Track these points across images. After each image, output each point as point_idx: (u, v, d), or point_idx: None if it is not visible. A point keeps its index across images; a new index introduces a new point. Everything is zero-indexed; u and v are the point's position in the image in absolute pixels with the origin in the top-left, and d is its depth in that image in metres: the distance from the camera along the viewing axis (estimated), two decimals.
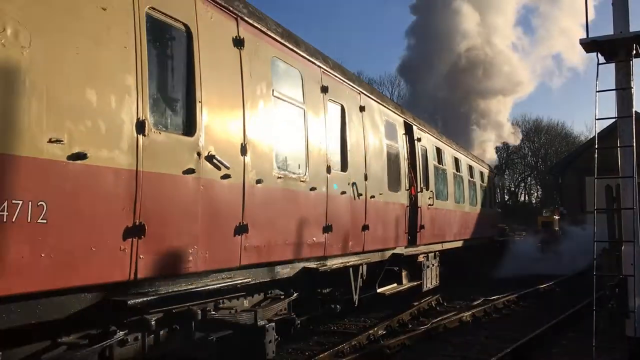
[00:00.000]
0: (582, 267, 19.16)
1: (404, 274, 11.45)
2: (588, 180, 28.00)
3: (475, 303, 13.76)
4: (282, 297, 7.17)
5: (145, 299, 4.39)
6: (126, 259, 4.30)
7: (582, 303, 12.88)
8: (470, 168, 17.29)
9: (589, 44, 6.71)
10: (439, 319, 11.65)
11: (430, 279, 12.98)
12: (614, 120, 6.88)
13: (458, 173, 15.53)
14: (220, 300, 5.98)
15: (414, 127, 11.63)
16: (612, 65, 6.79)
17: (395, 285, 11.02)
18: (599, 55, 6.77)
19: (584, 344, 9.29)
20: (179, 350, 5.37)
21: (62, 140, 3.73)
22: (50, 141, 3.65)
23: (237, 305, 6.32)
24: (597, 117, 6.98)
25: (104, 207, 4.09)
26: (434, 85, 34.85)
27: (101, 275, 4.10)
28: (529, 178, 72.77)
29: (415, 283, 11.96)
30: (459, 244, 15.59)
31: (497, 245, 21.31)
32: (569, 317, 11.87)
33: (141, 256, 4.42)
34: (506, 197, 64.22)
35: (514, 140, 42.03)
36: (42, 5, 3.67)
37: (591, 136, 46.46)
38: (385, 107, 10.11)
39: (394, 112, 10.60)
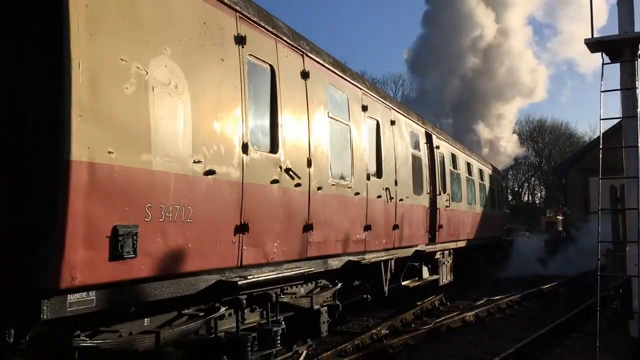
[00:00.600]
0: (586, 268, 20.39)
1: (424, 269, 12.88)
2: (592, 181, 28.40)
3: (479, 303, 14.23)
4: (330, 286, 8.59)
5: (248, 281, 5.81)
6: (235, 249, 5.71)
7: (585, 303, 13.14)
8: (481, 171, 18.73)
9: (594, 44, 6.77)
10: (442, 318, 12.05)
11: (446, 275, 14.41)
12: (618, 120, 6.95)
13: (470, 177, 16.96)
14: (285, 287, 7.39)
15: (433, 136, 13.07)
16: (618, 65, 6.91)
17: (416, 279, 12.43)
18: (604, 55, 6.85)
19: (587, 345, 9.43)
20: (258, 325, 6.78)
21: (201, 161, 5.14)
22: (194, 162, 5.06)
23: (297, 292, 7.74)
24: (601, 117, 7.06)
25: (223, 210, 5.50)
26: (443, 80, 35.59)
27: (221, 262, 5.52)
28: (533, 178, 73.96)
29: (433, 278, 13.39)
30: (471, 242, 17.00)
31: (504, 244, 22.74)
32: (572, 318, 12.19)
33: (244, 248, 5.83)
34: (510, 198, 65.49)
35: (520, 149, 42.67)
36: (191, 63, 5.09)
37: (595, 136, 46.39)
38: (410, 119, 11.55)
39: (417, 123, 12.04)
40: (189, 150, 5.00)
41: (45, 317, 3.86)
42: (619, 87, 6.78)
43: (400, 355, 9.30)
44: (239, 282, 5.72)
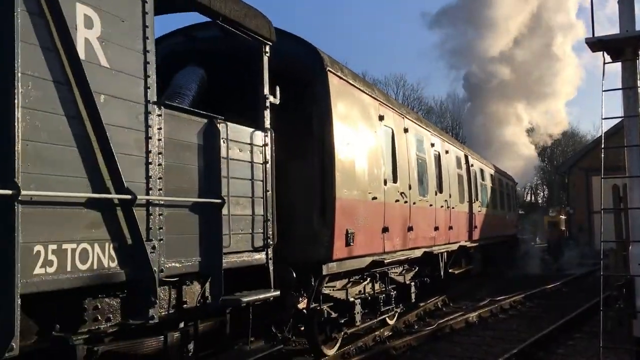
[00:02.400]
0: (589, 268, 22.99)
1: (462, 260, 17.19)
2: (595, 180, 29.40)
3: (482, 303, 14.73)
4: (411, 269, 12.82)
5: (388, 260, 10.07)
6: (381, 242, 9.94)
7: (589, 303, 13.60)
8: (500, 180, 23.06)
9: (595, 44, 6.80)
10: (445, 319, 12.45)
11: (477, 265, 18.73)
12: (620, 119, 7.01)
13: (493, 186, 21.25)
14: (389, 268, 11.63)
15: (469, 157, 17.38)
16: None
17: (457, 267, 16.71)
18: (605, 54, 6.88)
19: (590, 345, 9.90)
20: (380, 291, 10.99)
21: (371, 192, 9.37)
22: (368, 192, 9.30)
23: (395, 272, 11.97)
24: (603, 117, 7.18)
25: (377, 219, 9.71)
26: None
27: (375, 249, 9.73)
28: (535, 178, 77.78)
29: (469, 267, 17.69)
30: (494, 240, 21.23)
31: (518, 241, 27.07)
32: (575, 318, 12.47)
33: (385, 241, 10.06)
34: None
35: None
36: (365, 136, 9.34)
37: (598, 135, 43.56)
38: (455, 147, 15.84)
39: (459, 149, 16.34)
40: (366, 186, 9.23)
41: (323, 273, 8.08)
42: (620, 87, 6.82)
43: (403, 357, 9.57)
44: (385, 261, 9.99)
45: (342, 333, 9.58)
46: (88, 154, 4.08)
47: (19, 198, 3.51)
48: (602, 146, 7.28)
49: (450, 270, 15.86)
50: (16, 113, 3.52)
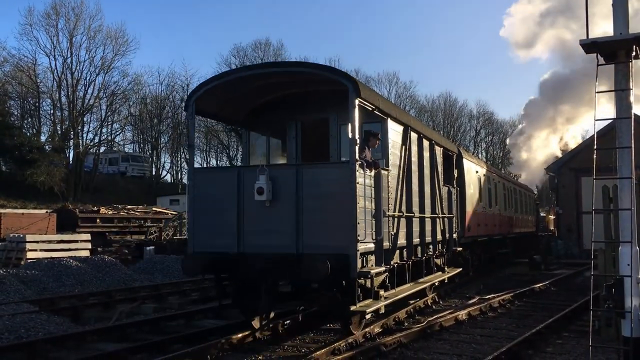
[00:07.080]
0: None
1: (503, 246, 27.71)
2: (584, 180, 30.54)
3: (471, 302, 15.18)
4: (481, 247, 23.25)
5: (481, 239, 21.43)
6: (477, 230, 21.45)
7: (577, 303, 13.91)
8: (525, 193, 34.67)
9: (588, 45, 6.99)
10: (434, 317, 12.52)
11: (511, 250, 29.42)
12: (612, 120, 7.20)
13: (521, 198, 32.85)
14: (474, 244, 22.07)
15: (507, 181, 28.76)
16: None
17: (502, 250, 27.14)
18: (599, 56, 7.09)
19: (579, 344, 10.03)
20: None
21: (474, 206, 20.53)
22: (473, 207, 20.37)
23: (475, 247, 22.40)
24: (596, 118, 7.36)
25: (475, 219, 21.31)
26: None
27: (475, 233, 21.13)
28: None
29: (507, 250, 28.20)
30: (523, 234, 32.19)
31: (539, 236, 37.21)
32: (564, 317, 12.55)
33: (478, 229, 21.48)
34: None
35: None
36: (478, 187, 20.06)
37: (587, 136, 44.91)
38: (501, 177, 27.61)
39: (501, 177, 28.08)
40: (473, 203, 20.86)
41: (460, 242, 18.80)
42: (613, 89, 7.02)
43: (393, 354, 9.60)
44: (478, 240, 21.10)
45: (461, 270, 19.66)
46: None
47: (414, 216, 12.75)
48: (595, 147, 7.42)
49: (499, 251, 26.33)
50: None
